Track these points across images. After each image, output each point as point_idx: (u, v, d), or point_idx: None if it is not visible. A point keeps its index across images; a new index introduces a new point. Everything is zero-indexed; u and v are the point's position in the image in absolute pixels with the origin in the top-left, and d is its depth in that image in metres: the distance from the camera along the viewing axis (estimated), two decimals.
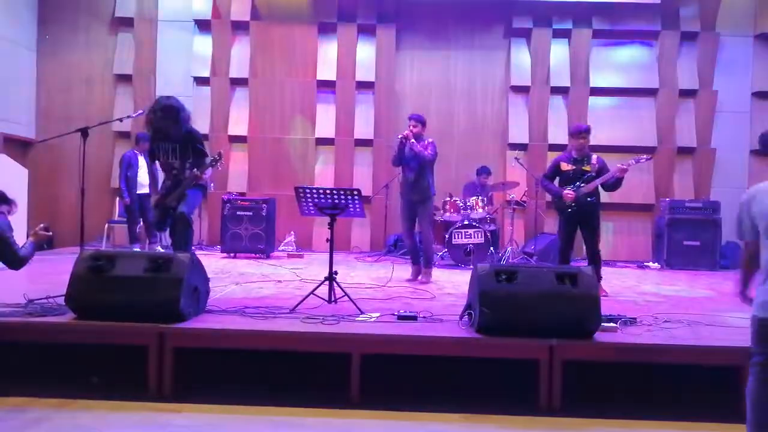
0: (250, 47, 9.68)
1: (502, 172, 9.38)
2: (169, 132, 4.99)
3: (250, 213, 8.12)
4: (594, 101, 9.50)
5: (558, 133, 9.52)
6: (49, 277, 5.41)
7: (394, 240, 8.88)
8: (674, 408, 3.59)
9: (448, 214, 7.98)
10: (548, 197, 8.77)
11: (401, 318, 4.10)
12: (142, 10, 9.56)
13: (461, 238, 7.59)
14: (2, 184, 3.91)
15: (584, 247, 5.91)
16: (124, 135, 9.36)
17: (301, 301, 4.37)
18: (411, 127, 6.15)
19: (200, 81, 9.66)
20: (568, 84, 9.52)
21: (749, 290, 2.99)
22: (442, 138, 9.61)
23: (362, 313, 4.22)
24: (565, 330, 3.67)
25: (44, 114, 9.59)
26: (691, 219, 8.33)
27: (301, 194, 4.72)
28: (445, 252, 7.81)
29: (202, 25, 9.67)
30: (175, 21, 9.63)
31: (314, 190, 4.73)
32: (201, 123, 8.78)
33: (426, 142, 6.16)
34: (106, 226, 8.58)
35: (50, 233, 3.99)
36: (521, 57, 9.63)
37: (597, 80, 9.50)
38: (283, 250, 8.80)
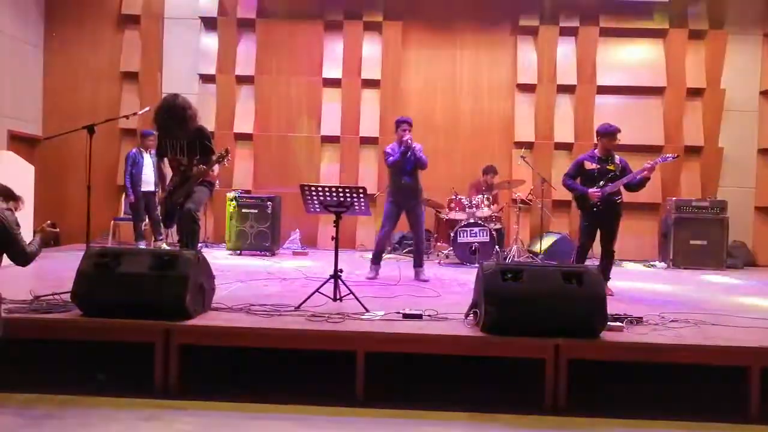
0: (256, 45, 9.68)
1: (508, 170, 9.35)
2: (175, 130, 5.00)
3: (256, 210, 8.13)
4: (601, 100, 9.46)
5: (564, 132, 9.50)
6: (55, 273, 5.44)
7: (399, 238, 8.88)
8: (680, 408, 3.57)
9: (453, 212, 7.97)
10: (555, 196, 8.80)
11: (406, 316, 4.09)
12: (148, 7, 9.58)
13: (467, 236, 7.57)
14: (9, 180, 3.92)
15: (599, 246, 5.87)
16: (130, 132, 9.38)
17: (307, 298, 4.37)
18: (407, 131, 6.17)
19: (206, 78, 9.67)
20: (574, 82, 9.48)
21: None
22: (447, 135, 9.64)
23: (367, 311, 4.21)
24: (570, 329, 3.65)
25: (51, 111, 9.62)
26: (698, 218, 8.29)
27: (307, 192, 4.71)
28: (451, 250, 7.80)
29: (208, 23, 9.68)
30: (182, 18, 9.65)
31: (320, 188, 4.73)
32: (206, 121, 8.77)
33: (417, 146, 6.20)
34: (112, 223, 8.60)
35: (57, 230, 3.99)
36: (528, 55, 9.60)
37: (604, 78, 9.47)
38: (288, 248, 8.81)
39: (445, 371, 3.89)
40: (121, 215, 8.83)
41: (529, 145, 9.36)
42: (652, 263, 8.59)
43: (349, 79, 9.60)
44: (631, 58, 9.56)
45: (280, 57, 9.69)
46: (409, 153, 6.14)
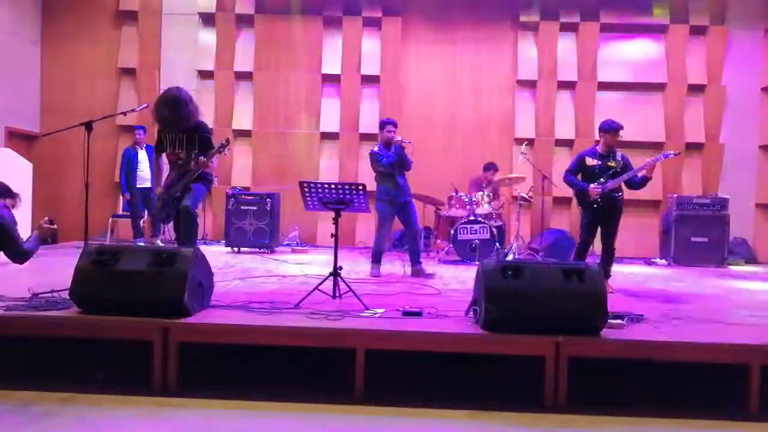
0: (254, 41, 9.65)
1: (508, 166, 9.33)
2: (175, 124, 4.98)
3: (255, 208, 8.11)
4: (601, 96, 9.44)
5: (565, 128, 9.47)
6: (53, 271, 5.41)
7: (399, 235, 8.85)
8: (681, 405, 3.55)
9: (453, 209, 7.95)
10: (556, 192, 8.79)
11: (406, 314, 4.07)
12: (146, 3, 9.55)
13: (467, 233, 7.55)
14: (7, 177, 3.90)
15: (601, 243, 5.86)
16: (128, 129, 9.35)
17: (306, 296, 4.35)
18: (392, 134, 6.20)
19: (204, 74, 9.64)
20: (575, 78, 9.46)
21: None
22: (447, 132, 9.61)
23: (367, 308, 4.19)
24: (571, 326, 3.64)
25: (48, 108, 9.59)
26: (699, 215, 8.28)
27: (306, 189, 4.69)
28: (451, 247, 7.78)
29: (207, 19, 9.64)
30: (180, 14, 9.61)
31: (319, 185, 4.70)
32: (205, 117, 8.65)
33: (398, 146, 6.22)
34: (111, 220, 8.59)
35: (55, 227, 3.99)
36: (528, 50, 9.57)
37: (604, 74, 9.45)
38: (287, 245, 8.79)
39: (445, 369, 3.87)
40: (120, 212, 8.81)
41: (529, 142, 9.33)
42: (653, 260, 8.58)
43: (349, 75, 9.57)
44: (631, 54, 9.54)
45: (278, 53, 9.66)
46: (399, 153, 6.14)
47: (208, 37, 9.65)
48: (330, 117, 9.63)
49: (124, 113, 6.18)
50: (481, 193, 7.94)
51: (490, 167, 8.44)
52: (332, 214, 4.67)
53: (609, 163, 5.60)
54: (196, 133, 5.05)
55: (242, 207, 8.15)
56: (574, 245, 6.41)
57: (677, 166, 9.21)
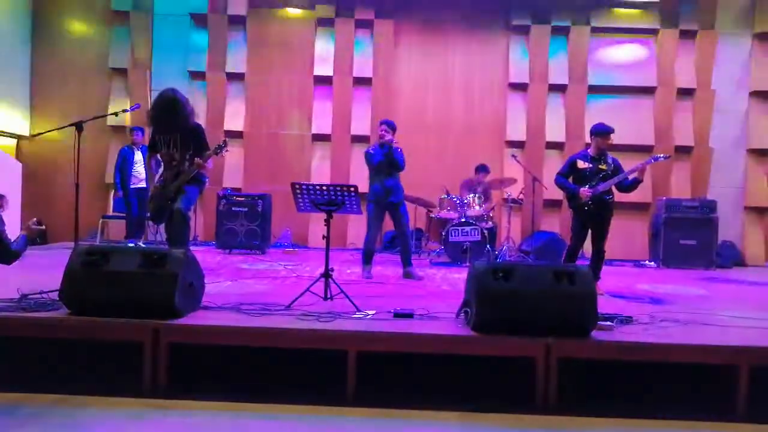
0: (246, 42, 9.64)
1: (500, 169, 9.37)
2: (171, 125, 4.97)
3: (246, 209, 8.09)
4: (592, 99, 9.50)
5: (556, 131, 9.52)
6: (43, 272, 5.38)
7: (390, 236, 8.87)
8: (670, 406, 3.58)
9: (444, 211, 7.97)
10: (546, 195, 8.82)
11: (397, 315, 4.08)
12: (138, 3, 9.51)
13: (458, 235, 7.57)
14: None
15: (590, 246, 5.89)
16: (119, 129, 9.32)
17: (297, 297, 4.35)
18: (384, 132, 6.20)
19: (196, 75, 9.62)
20: (566, 82, 9.51)
21: None
22: (439, 134, 9.64)
23: (358, 310, 4.20)
24: (561, 328, 3.66)
25: (39, 108, 9.53)
26: (688, 218, 8.34)
27: (298, 190, 4.69)
28: (442, 249, 7.80)
29: (199, 19, 9.62)
30: (171, 15, 9.59)
31: (311, 187, 4.70)
32: (197, 118, 8.73)
33: (397, 148, 6.24)
34: (101, 221, 8.54)
35: (43, 227, 3.96)
36: (519, 54, 9.62)
37: (595, 78, 9.51)
38: (278, 246, 8.78)
39: (436, 370, 3.88)
40: (110, 213, 8.77)
41: (520, 144, 9.38)
42: (642, 262, 8.63)
43: (341, 77, 9.58)
44: (622, 58, 9.61)
45: (271, 54, 9.65)
46: (387, 153, 6.15)
47: (200, 38, 9.63)
48: (322, 119, 9.63)
49: (115, 114, 6.16)
50: (472, 195, 7.97)
51: (482, 169, 8.47)
52: (324, 215, 4.67)
53: (600, 166, 5.64)
54: (192, 135, 5.05)
55: (234, 208, 8.13)
56: (565, 247, 6.45)
57: (666, 169, 9.28)
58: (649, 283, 6.60)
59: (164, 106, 4.97)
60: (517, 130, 9.55)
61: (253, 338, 3.73)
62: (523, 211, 9.14)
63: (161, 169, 5.21)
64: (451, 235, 7.57)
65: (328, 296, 4.53)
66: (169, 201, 5.03)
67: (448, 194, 8.05)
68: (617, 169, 5.65)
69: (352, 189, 4.66)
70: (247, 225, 8.08)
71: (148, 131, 8.09)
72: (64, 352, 3.82)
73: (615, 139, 5.80)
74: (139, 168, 8.08)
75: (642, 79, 9.48)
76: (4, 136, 8.96)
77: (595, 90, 9.51)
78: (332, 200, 4.65)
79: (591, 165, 5.65)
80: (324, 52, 9.64)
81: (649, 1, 9.33)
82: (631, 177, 5.57)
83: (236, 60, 9.63)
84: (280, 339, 3.72)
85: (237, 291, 5.04)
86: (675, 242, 8.31)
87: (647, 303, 5.13)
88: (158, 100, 5.05)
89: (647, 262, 8.65)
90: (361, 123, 9.57)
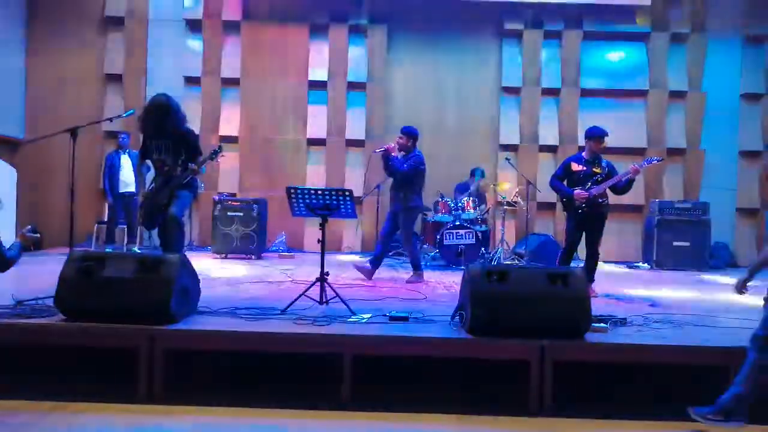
0: (241, 47, 9.65)
1: (494, 172, 9.41)
2: (162, 129, 4.98)
3: (241, 214, 8.09)
4: (585, 103, 9.55)
5: (549, 135, 9.57)
6: (37, 278, 5.36)
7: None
8: (664, 408, 3.60)
9: (439, 214, 8.00)
10: (542, 198, 8.86)
11: (393, 318, 4.10)
12: (132, 9, 9.51)
13: (452, 238, 7.60)
14: None
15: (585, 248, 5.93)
16: (113, 135, 9.29)
17: (293, 302, 4.36)
18: (398, 139, 6.29)
19: (191, 81, 9.62)
20: (558, 85, 9.56)
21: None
22: (432, 138, 9.63)
23: (354, 314, 4.21)
24: (555, 331, 3.68)
25: (33, 114, 9.50)
26: (681, 220, 8.39)
27: (293, 195, 4.70)
28: (437, 252, 7.82)
29: (193, 25, 9.63)
30: (166, 20, 9.59)
31: (306, 191, 4.72)
32: (192, 123, 8.67)
33: (409, 155, 6.26)
34: (96, 226, 8.52)
35: (38, 235, 3.95)
36: (512, 58, 9.67)
37: (587, 82, 9.56)
38: (274, 251, 8.78)
39: (432, 374, 3.90)
40: (105, 219, 8.75)
41: (513, 148, 9.42)
42: (635, 264, 8.67)
43: (335, 81, 9.60)
44: (614, 62, 9.67)
45: (265, 59, 9.67)
46: (387, 159, 6.20)
47: (195, 44, 9.64)
48: (317, 123, 9.65)
49: (110, 119, 6.16)
50: (466, 198, 8.00)
51: (477, 172, 8.51)
52: (319, 219, 4.69)
53: (594, 169, 5.68)
54: (183, 140, 5.06)
55: (229, 213, 8.12)
56: (559, 250, 6.49)
57: (659, 171, 9.34)
58: (642, 285, 6.63)
59: (156, 111, 4.98)
60: (510, 134, 9.59)
61: (248, 343, 3.74)
62: (517, 214, 9.18)
63: (150, 173, 5.22)
64: (446, 239, 7.60)
65: (324, 300, 4.54)
66: (161, 207, 5.03)
67: (442, 197, 8.08)
68: (611, 172, 5.69)
69: (347, 193, 4.68)
70: (242, 230, 8.08)
71: (135, 135, 8.10)
72: (59, 358, 3.81)
73: (608, 142, 5.85)
74: (127, 172, 8.06)
75: (634, 82, 9.54)
76: None
77: (588, 93, 9.56)
78: (327, 204, 4.67)
79: (585, 168, 5.70)
80: (318, 58, 9.66)
81: (640, 5, 9.39)
82: (624, 179, 5.61)
83: (231, 65, 9.64)
84: (276, 343, 3.74)
85: (232, 296, 5.05)
86: (668, 244, 8.36)
87: (641, 305, 5.16)
88: (150, 105, 5.06)
89: (641, 263, 8.69)
90: (356, 128, 9.59)
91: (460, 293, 4.11)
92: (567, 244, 5.80)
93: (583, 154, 5.80)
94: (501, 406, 3.62)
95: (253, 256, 8.08)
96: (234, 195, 9.15)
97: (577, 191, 5.61)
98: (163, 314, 3.73)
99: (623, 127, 9.22)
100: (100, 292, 3.75)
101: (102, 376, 3.76)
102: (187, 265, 4.07)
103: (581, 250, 5.86)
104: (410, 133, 6.31)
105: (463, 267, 6.70)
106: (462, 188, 8.52)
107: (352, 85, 9.62)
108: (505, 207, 8.27)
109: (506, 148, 9.42)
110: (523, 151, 9.52)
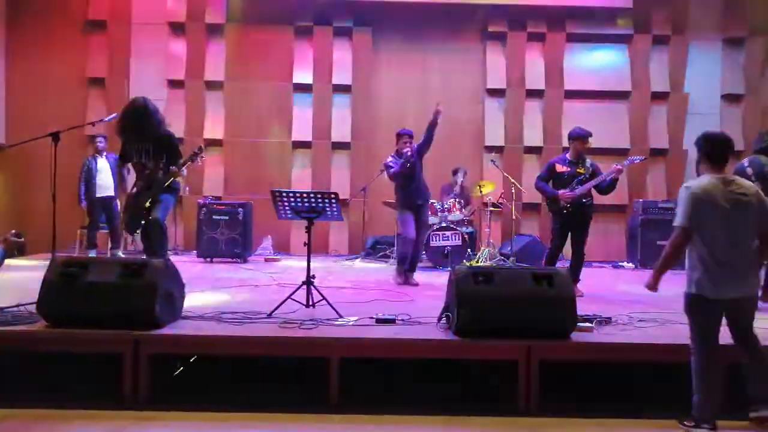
0: (225, 50, 9.61)
1: (479, 174, 9.44)
2: (142, 133, 4.95)
3: (227, 217, 8.05)
4: (569, 104, 9.62)
5: (533, 136, 9.63)
6: (20, 284, 5.29)
7: (372, 242, 8.87)
8: (649, 405, 3.64)
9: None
10: (525, 198, 8.91)
11: (379, 321, 4.10)
12: (115, 12, 9.43)
13: (439, 240, 7.62)
14: None
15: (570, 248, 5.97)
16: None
17: (279, 305, 4.35)
18: (408, 144, 6.48)
19: (175, 84, 9.56)
20: (543, 87, 9.63)
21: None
22: (418, 140, 9.64)
23: (340, 316, 4.21)
24: (542, 331, 3.71)
25: (15, 118, 9.38)
26: (664, 219, 8.42)
27: (278, 198, 4.69)
28: (423, 254, 7.82)
29: (177, 28, 9.57)
30: (149, 23, 9.52)
31: (291, 194, 4.71)
32: (175, 126, 8.66)
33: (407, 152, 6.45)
34: (79, 232, 8.42)
35: (21, 239, 3.90)
36: (497, 60, 9.72)
37: (571, 83, 9.63)
38: (260, 254, 8.75)
39: (419, 375, 3.90)
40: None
41: (498, 150, 9.46)
42: (620, 264, 8.75)
43: (320, 84, 9.59)
44: (597, 63, 9.75)
45: (249, 62, 9.63)
46: (408, 164, 6.38)
47: (179, 47, 9.58)
48: (302, 126, 9.62)
49: (93, 123, 6.10)
50: (452, 199, 8.03)
51: (458, 170, 8.54)
52: (305, 222, 4.68)
53: (578, 170, 5.73)
54: (163, 143, 5.02)
55: (214, 216, 8.07)
56: (544, 250, 6.53)
57: (642, 171, 9.43)
58: (627, 284, 6.69)
59: (134, 115, 4.95)
60: (495, 135, 9.63)
61: (234, 347, 3.72)
62: (502, 215, 9.22)
63: (129, 175, 5.19)
64: (432, 240, 7.62)
65: (311, 303, 4.53)
66: (143, 210, 4.99)
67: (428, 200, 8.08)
68: (595, 172, 5.74)
69: (332, 196, 4.67)
70: (228, 233, 8.04)
71: (112, 138, 8.00)
72: (42, 365, 3.77)
73: (592, 142, 5.89)
74: (104, 176, 7.96)
75: (617, 83, 9.63)
76: None
77: (572, 95, 9.63)
78: (313, 207, 4.67)
79: (569, 169, 5.74)
80: (303, 60, 9.64)
81: (622, 8, 9.48)
82: (608, 179, 5.66)
83: (215, 68, 9.59)
84: (262, 347, 3.72)
85: (218, 300, 5.02)
86: (652, 243, 8.42)
87: (626, 304, 5.20)
88: (128, 108, 5.03)
89: (625, 263, 8.76)
90: (342, 130, 9.58)
91: (447, 294, 4.11)
92: (552, 245, 5.84)
93: (568, 155, 5.85)
94: (488, 406, 3.63)
95: (239, 260, 8.04)
96: (219, 198, 9.10)
97: (562, 191, 5.65)
98: (148, 319, 3.70)
99: (607, 128, 9.29)
100: (84, 297, 3.71)
101: (86, 382, 3.72)
102: (171, 269, 4.04)
103: (567, 251, 5.89)
104: (412, 135, 6.62)
105: (449, 268, 6.71)
106: (447, 189, 8.54)
107: (337, 88, 9.61)
108: (490, 209, 8.30)
109: (491, 149, 9.45)
110: (507, 153, 9.56)
